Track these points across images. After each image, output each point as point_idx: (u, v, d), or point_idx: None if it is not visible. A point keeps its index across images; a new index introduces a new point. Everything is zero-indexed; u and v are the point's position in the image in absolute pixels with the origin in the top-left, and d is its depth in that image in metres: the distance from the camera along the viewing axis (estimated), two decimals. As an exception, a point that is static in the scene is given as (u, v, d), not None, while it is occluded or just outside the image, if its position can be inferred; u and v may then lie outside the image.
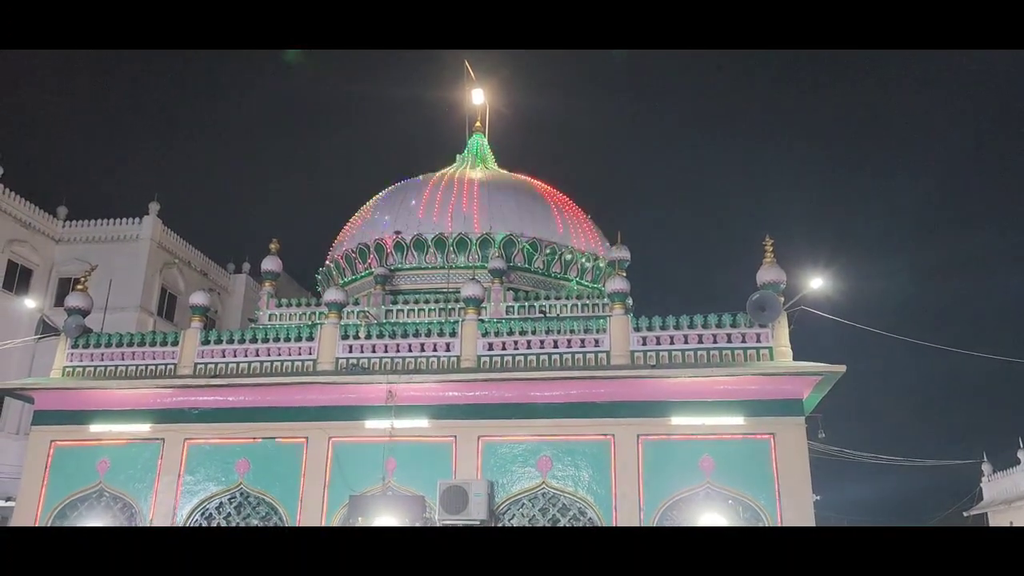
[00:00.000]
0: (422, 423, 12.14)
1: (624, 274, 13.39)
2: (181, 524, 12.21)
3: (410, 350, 12.60)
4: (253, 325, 16.15)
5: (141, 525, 12.31)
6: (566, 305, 15.36)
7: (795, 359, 11.73)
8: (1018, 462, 26.97)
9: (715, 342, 11.92)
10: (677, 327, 12.09)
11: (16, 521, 12.82)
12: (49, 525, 12.48)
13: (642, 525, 11.17)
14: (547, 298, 15.68)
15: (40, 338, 19.98)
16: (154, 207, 29.63)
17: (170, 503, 12.34)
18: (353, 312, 15.11)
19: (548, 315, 14.72)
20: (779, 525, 10.94)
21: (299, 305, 16.31)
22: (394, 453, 12.00)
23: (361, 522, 11.50)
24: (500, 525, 11.60)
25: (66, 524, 12.52)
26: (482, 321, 12.91)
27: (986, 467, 28.78)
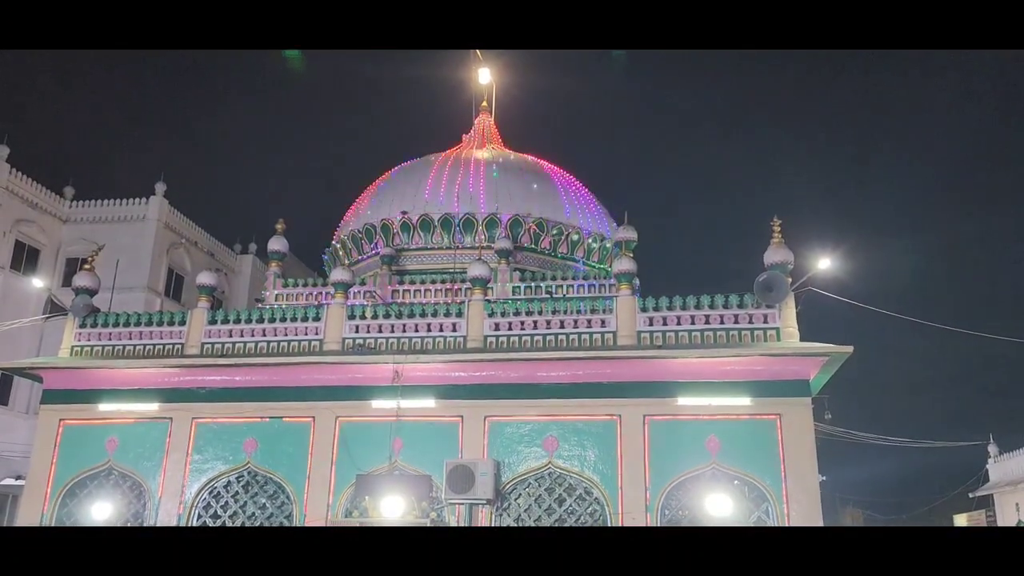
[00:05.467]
0: (428, 403, 12.17)
1: (631, 255, 13.33)
2: (190, 502, 12.31)
3: (416, 330, 12.61)
4: (260, 305, 16.18)
5: (150, 503, 12.41)
6: (572, 285, 15.34)
7: (802, 340, 11.69)
8: (1024, 444, 26.94)
9: (722, 323, 11.88)
10: (684, 308, 12.05)
11: (26, 499, 12.95)
12: (59, 503, 12.61)
13: (648, 504, 11.22)
14: (554, 278, 15.66)
15: (48, 317, 20.11)
16: (160, 187, 29.68)
17: (179, 481, 12.43)
18: (360, 292, 15.13)
19: (555, 295, 14.70)
20: (784, 505, 10.97)
21: (306, 285, 16.33)
22: (401, 433, 12.04)
23: (368, 501, 11.57)
24: (506, 505, 11.65)
25: (75, 502, 12.64)
26: (488, 301, 12.90)
27: (992, 448, 28.77)
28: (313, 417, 12.42)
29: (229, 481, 12.49)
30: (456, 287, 15.18)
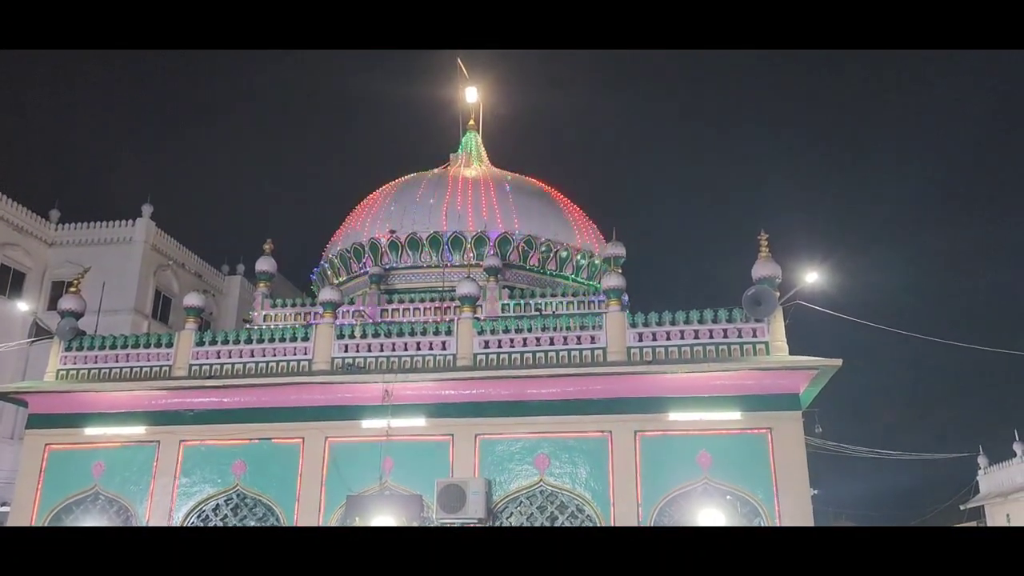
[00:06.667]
0: (419, 422, 12.10)
1: (620, 270, 13.34)
2: (178, 526, 12.16)
3: (406, 349, 12.56)
4: (248, 326, 16.09)
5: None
6: (562, 302, 15.33)
7: (791, 353, 11.72)
8: (1014, 455, 27.01)
9: (711, 337, 11.90)
10: (673, 323, 12.07)
11: (11, 525, 12.75)
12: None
13: (640, 521, 11.17)
14: (543, 295, 15.65)
15: (33, 341, 19.93)
16: (147, 209, 29.54)
17: (166, 505, 12.29)
18: (348, 312, 15.07)
19: (544, 312, 14.69)
20: (777, 520, 10.94)
21: (294, 305, 16.26)
22: (391, 452, 11.95)
23: (359, 522, 11.46)
24: (498, 523, 11.57)
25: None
26: (478, 319, 12.87)
27: (982, 460, 28.82)
28: (302, 438, 12.32)
29: (218, 504, 12.36)
30: (445, 305, 15.14)
